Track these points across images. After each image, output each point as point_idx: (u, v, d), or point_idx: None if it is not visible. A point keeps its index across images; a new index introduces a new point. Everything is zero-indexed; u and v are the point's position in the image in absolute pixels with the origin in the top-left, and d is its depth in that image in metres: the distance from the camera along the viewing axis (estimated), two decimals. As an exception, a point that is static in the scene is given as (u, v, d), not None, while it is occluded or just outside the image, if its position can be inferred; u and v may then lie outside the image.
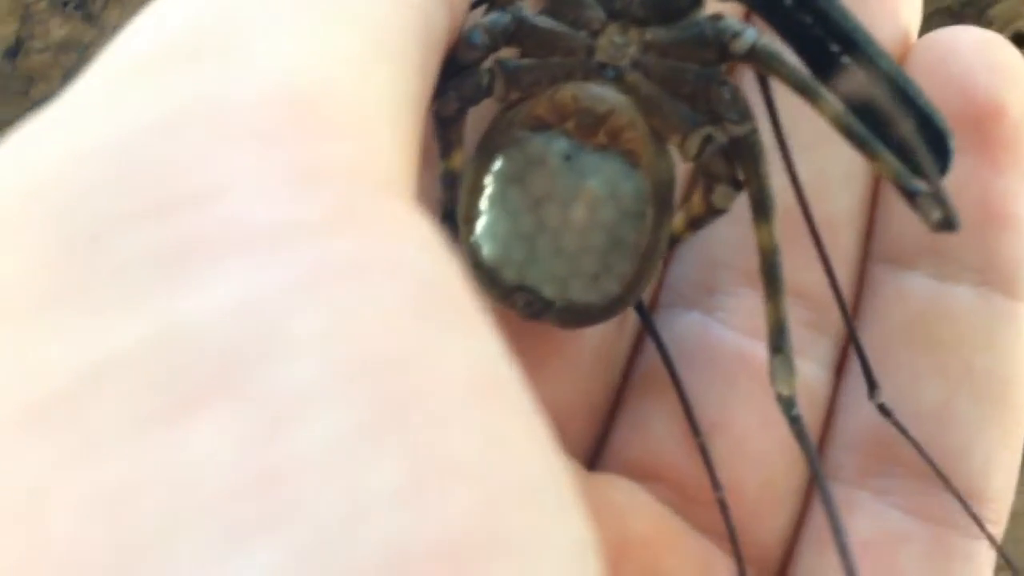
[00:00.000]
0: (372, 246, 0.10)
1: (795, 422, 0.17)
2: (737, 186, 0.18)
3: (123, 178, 0.10)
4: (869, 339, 0.19)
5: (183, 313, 0.09)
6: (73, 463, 0.08)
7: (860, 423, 0.19)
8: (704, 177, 0.18)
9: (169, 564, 0.08)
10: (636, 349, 0.20)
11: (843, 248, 0.19)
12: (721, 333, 0.19)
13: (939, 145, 0.17)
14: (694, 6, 0.18)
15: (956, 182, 0.18)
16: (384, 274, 0.10)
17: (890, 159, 0.17)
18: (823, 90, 0.17)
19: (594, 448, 0.20)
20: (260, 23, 0.12)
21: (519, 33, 0.18)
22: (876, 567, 0.18)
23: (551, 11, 0.18)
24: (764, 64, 0.17)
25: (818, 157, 0.19)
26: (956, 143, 0.17)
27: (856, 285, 0.20)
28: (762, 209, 0.17)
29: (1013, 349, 0.19)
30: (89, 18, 0.35)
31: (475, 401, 0.10)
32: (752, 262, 0.18)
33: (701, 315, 0.20)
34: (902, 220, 0.19)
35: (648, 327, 0.19)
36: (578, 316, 0.18)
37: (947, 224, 0.16)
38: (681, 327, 0.20)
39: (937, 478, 0.18)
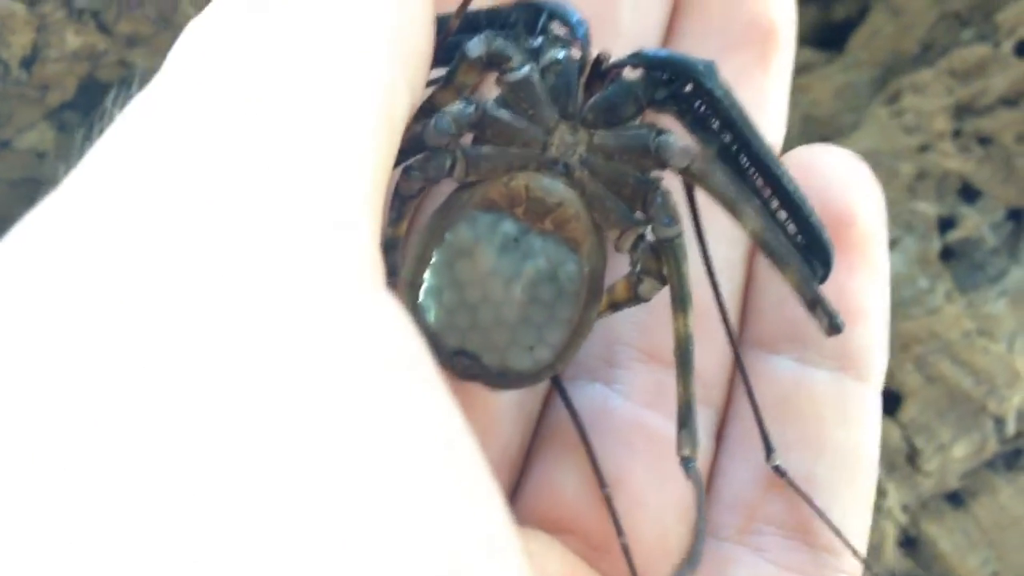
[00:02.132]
0: (357, 336, 0.12)
1: (692, 472, 0.20)
2: (663, 281, 0.20)
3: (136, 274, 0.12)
4: (744, 413, 0.22)
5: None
6: None
7: (738, 486, 0.21)
8: (633, 269, 0.20)
9: None
10: (545, 410, 0.22)
11: (722, 333, 0.22)
12: (620, 403, 0.22)
13: (825, 256, 0.20)
14: (636, 114, 0.20)
15: None
16: (365, 360, 0.12)
17: (796, 270, 0.19)
18: (748, 208, 0.19)
19: (509, 500, 0.22)
20: (264, 128, 0.14)
21: (482, 123, 0.19)
22: None
23: (510, 105, 0.19)
24: (698, 180, 0.19)
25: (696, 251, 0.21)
26: None
27: (730, 368, 0.22)
28: (681, 303, 0.19)
29: (863, 425, 0.21)
30: (103, 28, 0.35)
31: (440, 465, 0.12)
32: (647, 341, 0.21)
33: (603, 386, 0.22)
34: (770, 310, 0.22)
35: (562, 394, 0.21)
36: (510, 381, 0.20)
37: (835, 328, 0.20)
38: (585, 396, 0.22)
39: (811, 533, 0.21)
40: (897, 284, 0.38)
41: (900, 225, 0.39)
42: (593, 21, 0.22)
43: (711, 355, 0.22)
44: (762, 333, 0.22)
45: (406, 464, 0.11)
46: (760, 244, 0.19)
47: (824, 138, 0.43)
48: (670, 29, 0.23)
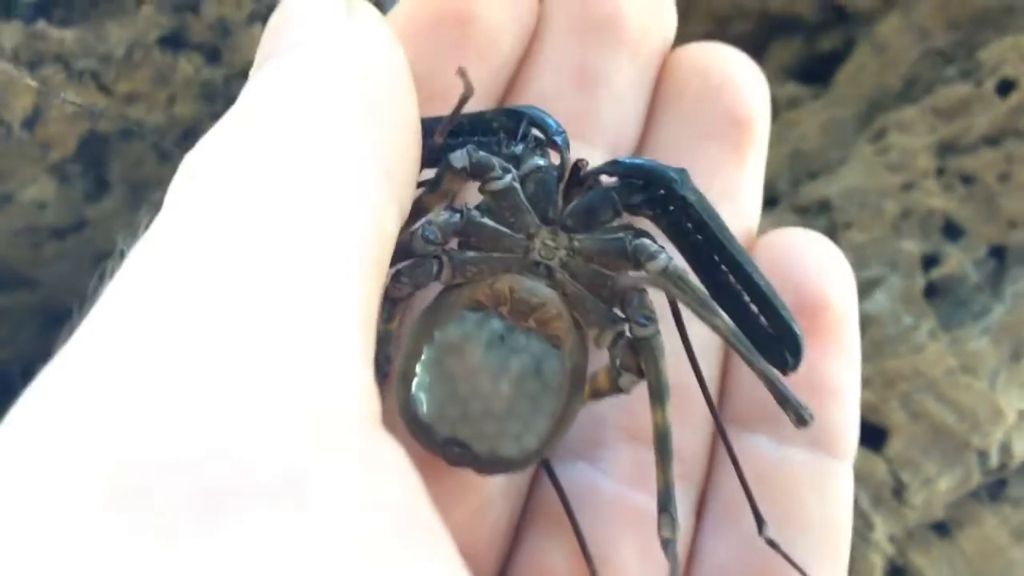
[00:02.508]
0: (360, 487, 0.13)
1: (671, 553, 0.21)
2: (641, 375, 0.21)
3: (158, 438, 0.13)
4: (722, 490, 0.23)
5: (221, 554, 0.11)
6: None
7: (719, 560, 0.22)
8: (613, 364, 0.21)
9: None
10: (533, 488, 0.23)
11: (699, 413, 0.23)
12: (605, 481, 0.23)
13: (795, 347, 0.21)
14: (614, 218, 0.21)
15: None
16: (369, 512, 0.13)
17: (768, 369, 0.20)
18: (719, 311, 0.20)
19: (494, 573, 0.23)
20: (263, 288, 0.15)
21: (466, 230, 0.21)
22: None
23: (492, 212, 0.21)
24: (672, 284, 0.20)
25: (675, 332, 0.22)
26: None
27: (711, 445, 0.23)
28: (658, 396, 0.21)
29: (838, 499, 0.23)
30: (103, 88, 0.36)
31: None
32: (630, 421, 0.22)
33: (587, 465, 0.23)
34: (746, 390, 0.23)
35: (550, 474, 0.22)
36: (498, 466, 0.21)
37: (802, 422, 0.21)
38: (571, 474, 0.23)
39: None
40: (882, 322, 0.39)
41: (885, 263, 0.40)
42: (574, 115, 0.23)
43: (692, 434, 0.23)
44: (739, 412, 0.23)
45: None
46: (730, 344, 0.20)
47: (812, 174, 0.43)
48: (649, 120, 0.24)
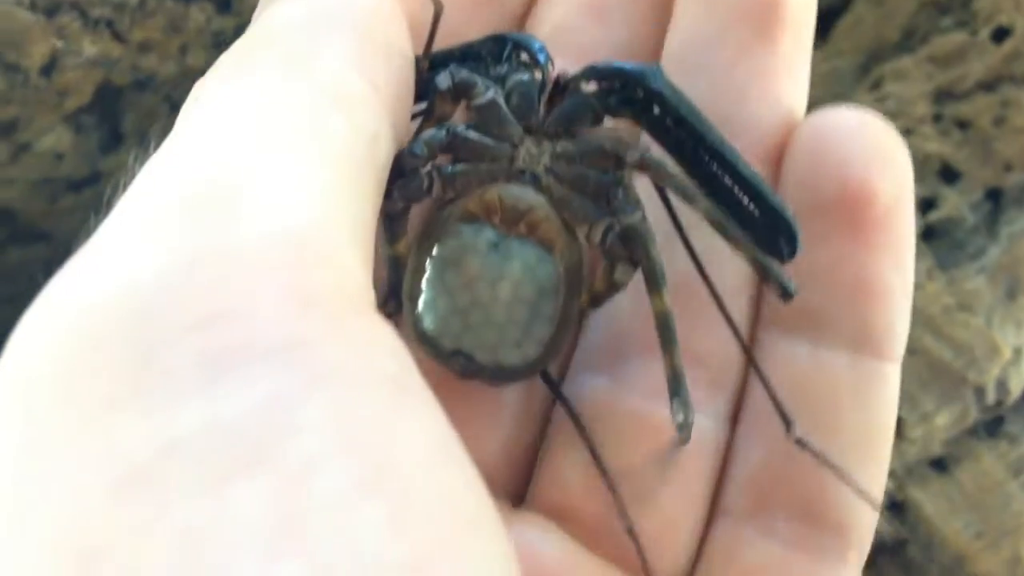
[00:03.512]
0: (354, 354, 0.14)
1: (684, 436, 0.21)
2: (634, 264, 0.21)
3: (166, 303, 0.14)
4: (757, 396, 0.22)
5: (222, 408, 0.13)
6: (158, 516, 0.12)
7: (750, 469, 0.22)
8: (607, 259, 0.22)
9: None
10: (552, 408, 0.23)
11: (735, 315, 0.22)
12: (624, 396, 0.22)
13: (789, 233, 0.21)
14: (596, 123, 0.22)
15: (833, 259, 0.21)
16: (364, 375, 0.14)
17: (748, 244, 0.20)
18: (697, 192, 0.21)
19: (518, 492, 0.23)
20: (259, 173, 0.15)
21: (453, 144, 0.21)
22: None
23: (478, 126, 0.21)
24: (651, 171, 0.21)
25: (708, 234, 0.21)
26: (833, 223, 0.21)
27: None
28: (654, 282, 0.21)
29: (878, 405, 0.22)
30: (118, 36, 0.37)
31: (432, 462, 0.14)
32: (651, 334, 0.21)
33: (607, 379, 0.22)
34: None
35: (554, 390, 0.23)
36: (504, 376, 0.22)
37: (786, 295, 0.20)
38: (590, 389, 0.22)
39: (821, 514, 0.21)
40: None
41: (884, 207, 0.41)
42: (589, 48, 0.23)
43: (720, 339, 0.22)
44: (777, 314, 0.22)
45: (403, 460, 0.13)
46: (712, 224, 0.21)
47: (810, 123, 0.44)
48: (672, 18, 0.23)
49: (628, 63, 0.21)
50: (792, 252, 0.21)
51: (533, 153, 0.21)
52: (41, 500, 0.12)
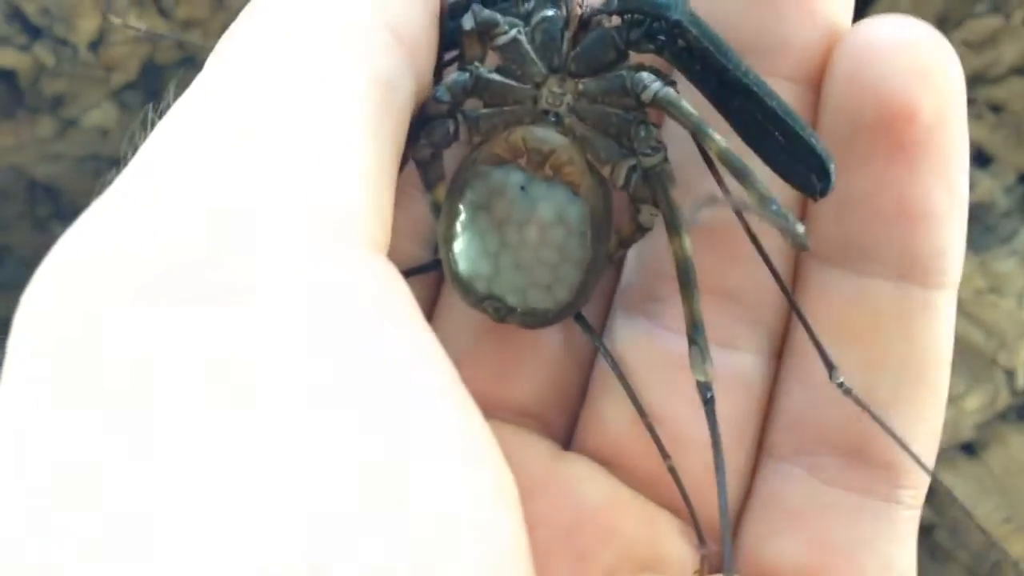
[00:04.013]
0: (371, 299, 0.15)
1: (708, 404, 0.20)
2: (657, 205, 0.21)
3: (189, 259, 0.15)
4: (801, 333, 0.21)
5: (244, 331, 0.14)
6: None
7: (796, 407, 0.21)
8: (632, 200, 0.21)
9: None
10: (595, 352, 0.23)
11: (775, 249, 0.21)
12: (662, 335, 0.22)
13: (822, 168, 0.19)
14: (619, 60, 0.21)
15: (873, 184, 0.20)
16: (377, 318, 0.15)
17: (759, 188, 0.19)
18: (710, 130, 0.20)
19: (567, 432, 0.23)
20: (275, 126, 0.16)
21: (476, 88, 0.21)
22: (807, 532, 0.21)
23: (502, 67, 0.21)
24: (664, 109, 0.20)
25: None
26: (873, 145, 0.20)
27: (790, 282, 0.21)
28: (674, 226, 0.20)
29: (929, 335, 0.20)
30: (163, 13, 0.38)
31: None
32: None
33: (645, 320, 0.22)
34: (826, 221, 0.21)
35: (588, 332, 0.23)
36: (536, 319, 0.22)
37: (800, 245, 0.19)
38: (629, 331, 0.22)
39: (870, 452, 0.20)
40: (912, 245, 0.40)
41: (915, 189, 0.41)
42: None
43: (763, 275, 0.21)
44: (820, 246, 0.21)
45: (403, 375, 0.14)
46: (724, 162, 0.20)
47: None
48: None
49: (665, 6, 0.20)
50: (825, 188, 0.20)
51: (556, 92, 0.21)
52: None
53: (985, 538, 0.39)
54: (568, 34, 0.21)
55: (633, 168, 0.21)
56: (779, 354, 0.22)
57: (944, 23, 0.44)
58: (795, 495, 0.21)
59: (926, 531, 0.40)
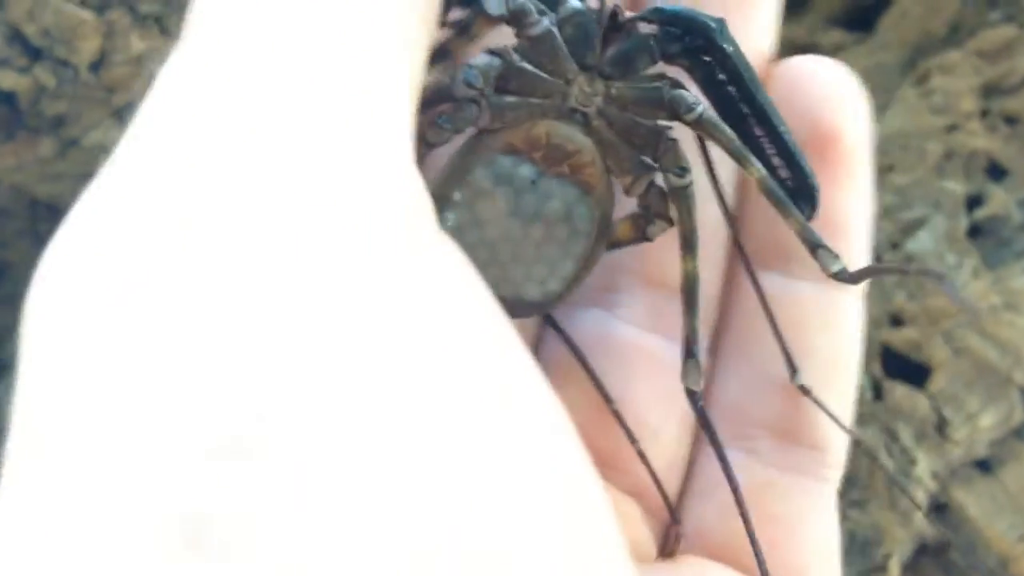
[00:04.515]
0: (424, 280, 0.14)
1: (701, 413, 0.21)
2: (671, 223, 0.21)
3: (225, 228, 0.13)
4: (734, 326, 0.23)
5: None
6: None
7: (732, 395, 0.23)
8: (642, 211, 0.22)
9: None
10: (539, 343, 0.24)
11: (713, 253, 0.23)
12: (619, 327, 0.23)
13: (813, 198, 0.22)
14: (650, 65, 0.21)
15: None
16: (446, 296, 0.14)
17: (799, 217, 0.21)
18: (752, 157, 0.21)
19: None
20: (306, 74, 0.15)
21: (507, 74, 0.21)
22: (750, 510, 0.22)
23: (530, 57, 0.21)
24: (708, 132, 0.21)
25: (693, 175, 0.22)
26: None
27: (723, 283, 0.24)
28: (690, 245, 0.21)
29: (846, 330, 0.23)
30: (166, 32, 0.37)
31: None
32: (646, 267, 0.23)
33: (602, 311, 0.23)
34: (759, 230, 0.23)
35: (551, 323, 0.23)
36: (521, 310, 0.21)
37: (844, 276, 0.21)
38: (585, 321, 0.23)
39: (798, 434, 0.23)
40: (926, 261, 0.39)
41: (929, 203, 0.40)
42: None
43: (704, 277, 0.23)
44: (752, 252, 0.23)
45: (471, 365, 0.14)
46: (764, 191, 0.21)
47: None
48: None
49: (693, 10, 0.21)
50: (810, 217, 0.22)
51: (587, 91, 0.21)
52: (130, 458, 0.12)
53: (999, 555, 0.39)
54: (600, 32, 0.21)
55: (652, 183, 0.21)
56: (715, 349, 0.24)
57: (956, 32, 0.43)
58: (736, 476, 0.22)
59: (941, 550, 0.40)
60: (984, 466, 0.40)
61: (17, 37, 0.36)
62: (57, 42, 0.36)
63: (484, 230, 0.21)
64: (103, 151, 0.43)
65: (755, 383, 0.23)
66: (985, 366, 0.39)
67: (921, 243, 0.39)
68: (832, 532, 0.23)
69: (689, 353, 0.21)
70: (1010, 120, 0.40)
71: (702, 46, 0.21)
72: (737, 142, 0.21)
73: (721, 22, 0.21)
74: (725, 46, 0.21)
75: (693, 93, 0.21)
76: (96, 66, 0.37)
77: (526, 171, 0.21)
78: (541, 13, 0.21)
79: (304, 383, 0.12)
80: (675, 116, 0.21)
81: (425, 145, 0.21)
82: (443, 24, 0.20)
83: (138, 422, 0.12)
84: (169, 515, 0.11)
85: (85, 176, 0.46)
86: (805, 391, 0.22)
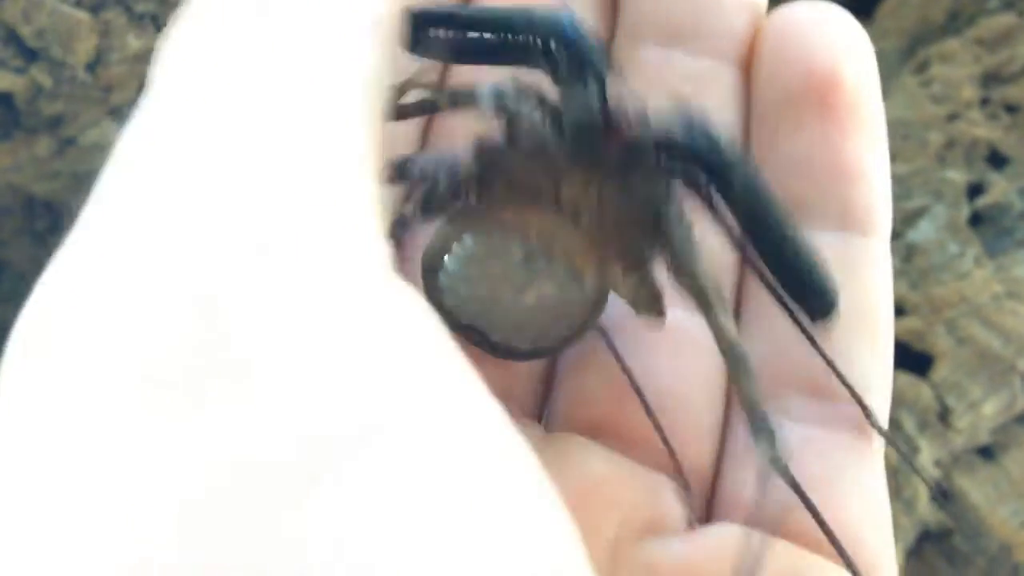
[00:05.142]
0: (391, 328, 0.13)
1: (792, 482, 0.19)
2: (662, 315, 0.21)
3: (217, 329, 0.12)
4: (755, 289, 0.22)
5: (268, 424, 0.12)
6: (239, 541, 0.11)
7: (758, 358, 0.21)
8: (633, 306, 0.21)
9: None
10: None
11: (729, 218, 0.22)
12: None
13: (829, 299, 0.20)
14: (651, 175, 0.19)
15: (810, 146, 0.22)
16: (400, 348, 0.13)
17: (747, 390, 0.19)
18: (720, 318, 0.19)
19: (542, 411, 0.23)
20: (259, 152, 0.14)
21: (492, 161, 0.19)
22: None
23: (525, 146, 0.19)
24: (682, 278, 0.19)
25: None
26: (806, 111, 0.21)
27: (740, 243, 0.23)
28: (715, 329, 0.19)
29: (870, 278, 0.22)
30: (161, 31, 0.37)
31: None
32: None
33: (613, 292, 0.22)
34: (773, 183, 0.21)
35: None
36: (514, 355, 0.21)
37: (777, 465, 0.18)
38: None
39: (829, 389, 0.21)
40: (928, 250, 0.39)
41: (930, 192, 0.40)
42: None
43: (719, 242, 0.22)
44: None
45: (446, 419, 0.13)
46: (723, 352, 0.19)
47: (854, 107, 0.44)
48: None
49: (707, 141, 0.19)
50: (831, 314, 0.20)
51: (578, 186, 0.19)
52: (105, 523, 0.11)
53: (1002, 541, 0.39)
54: (599, 125, 0.19)
55: (643, 278, 0.20)
56: (736, 314, 0.23)
57: (956, 20, 0.43)
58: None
59: (943, 536, 0.40)
60: (987, 453, 0.40)
61: (13, 38, 0.36)
62: (53, 42, 0.36)
63: (478, 288, 0.20)
64: (100, 150, 0.43)
65: (781, 343, 0.22)
66: (987, 354, 0.39)
67: (922, 232, 0.40)
68: (880, 487, 0.21)
69: (757, 428, 0.18)
70: (1010, 108, 0.41)
71: (712, 178, 0.19)
72: (707, 296, 0.19)
73: (738, 160, 0.19)
74: (736, 190, 0.19)
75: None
76: (92, 66, 0.37)
77: (518, 248, 0.20)
78: (537, 101, 0.19)
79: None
80: (663, 247, 0.19)
81: (398, 227, 0.20)
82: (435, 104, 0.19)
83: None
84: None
85: (82, 174, 0.46)
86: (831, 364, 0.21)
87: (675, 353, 0.22)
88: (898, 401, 0.40)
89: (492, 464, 0.13)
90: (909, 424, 0.39)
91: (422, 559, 0.11)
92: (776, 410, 0.21)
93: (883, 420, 0.22)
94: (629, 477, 0.21)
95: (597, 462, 0.21)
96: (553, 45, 0.18)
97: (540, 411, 0.23)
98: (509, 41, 0.19)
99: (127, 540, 0.11)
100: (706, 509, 0.22)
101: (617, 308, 0.22)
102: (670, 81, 0.23)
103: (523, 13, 0.19)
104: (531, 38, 0.19)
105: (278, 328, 0.12)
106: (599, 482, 0.21)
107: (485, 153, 0.19)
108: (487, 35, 0.19)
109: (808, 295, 0.20)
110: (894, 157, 0.42)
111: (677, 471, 0.21)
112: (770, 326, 0.22)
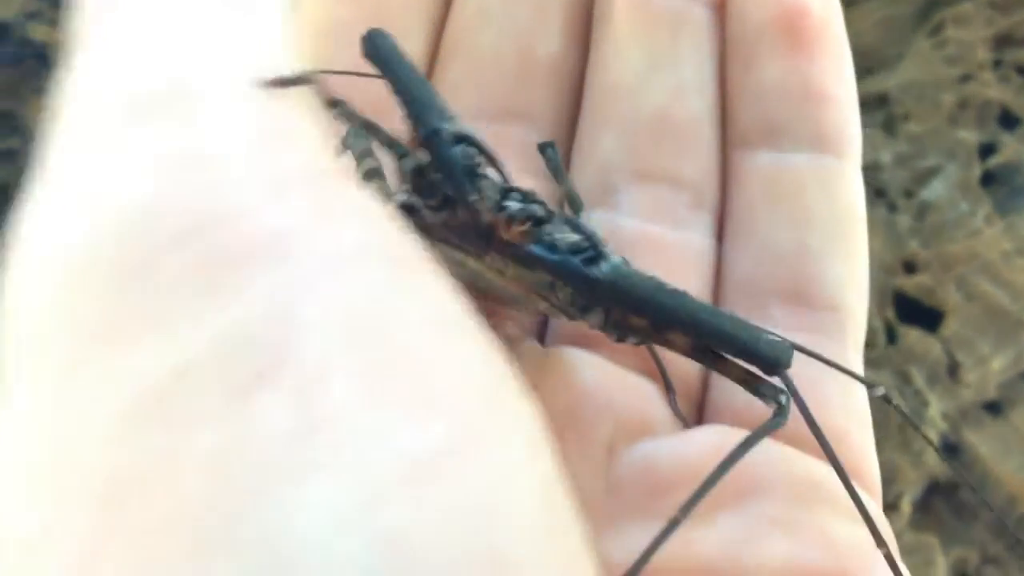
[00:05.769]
0: (341, 234, 0.13)
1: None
2: (638, 343, 0.21)
3: (146, 221, 0.13)
4: (736, 208, 0.24)
5: (229, 320, 0.12)
6: (180, 443, 0.11)
7: (741, 271, 0.23)
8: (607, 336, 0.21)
9: (257, 496, 0.11)
10: None
11: (707, 141, 0.24)
12: (625, 222, 0.23)
13: (776, 358, 0.19)
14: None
15: (783, 71, 0.23)
16: (355, 256, 0.13)
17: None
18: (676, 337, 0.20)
19: (542, 328, 0.24)
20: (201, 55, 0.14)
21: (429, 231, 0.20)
22: None
23: (443, 220, 0.20)
24: (610, 332, 0.21)
25: (676, 73, 0.24)
26: (776, 39, 0.23)
27: (721, 170, 0.24)
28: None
29: (845, 194, 0.23)
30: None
31: (444, 339, 0.13)
32: (637, 162, 0.23)
33: (604, 211, 0.23)
34: (745, 110, 0.24)
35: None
36: None
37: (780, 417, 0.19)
38: (591, 221, 0.23)
39: (811, 297, 0.23)
40: (940, 208, 0.40)
41: (943, 152, 0.41)
42: None
43: (697, 161, 0.24)
44: (741, 133, 0.24)
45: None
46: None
47: (868, 70, 0.44)
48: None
49: (580, 268, 0.20)
50: (786, 364, 0.20)
51: (497, 261, 0.20)
52: (57, 437, 0.12)
53: (1009, 493, 0.40)
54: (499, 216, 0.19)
55: (604, 315, 0.20)
56: (719, 233, 0.24)
57: (970, -17, 0.44)
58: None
59: (950, 489, 0.41)
60: (995, 408, 0.41)
61: (48, -10, 0.37)
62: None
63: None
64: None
65: (763, 257, 0.23)
66: (997, 310, 0.39)
67: (935, 191, 0.40)
68: (861, 393, 0.22)
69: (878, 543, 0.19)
70: (1022, 70, 0.41)
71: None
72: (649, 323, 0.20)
73: (615, 266, 0.20)
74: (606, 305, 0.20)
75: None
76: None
77: (473, 264, 0.20)
78: (442, 200, 0.19)
79: None
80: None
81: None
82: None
83: None
84: None
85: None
86: (888, 400, 0.21)
87: (665, 269, 0.22)
88: (908, 356, 0.41)
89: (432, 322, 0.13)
90: (919, 379, 0.40)
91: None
92: (762, 319, 0.22)
93: (861, 326, 0.23)
94: (621, 383, 0.22)
95: (591, 370, 0.22)
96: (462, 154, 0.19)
97: (542, 333, 0.24)
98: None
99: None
100: (697, 415, 0.23)
101: (604, 227, 0.22)
102: (646, 23, 0.24)
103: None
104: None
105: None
106: (591, 389, 0.22)
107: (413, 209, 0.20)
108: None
109: (753, 352, 0.20)
110: (908, 118, 0.42)
111: (660, 372, 0.22)
112: (752, 241, 0.23)
